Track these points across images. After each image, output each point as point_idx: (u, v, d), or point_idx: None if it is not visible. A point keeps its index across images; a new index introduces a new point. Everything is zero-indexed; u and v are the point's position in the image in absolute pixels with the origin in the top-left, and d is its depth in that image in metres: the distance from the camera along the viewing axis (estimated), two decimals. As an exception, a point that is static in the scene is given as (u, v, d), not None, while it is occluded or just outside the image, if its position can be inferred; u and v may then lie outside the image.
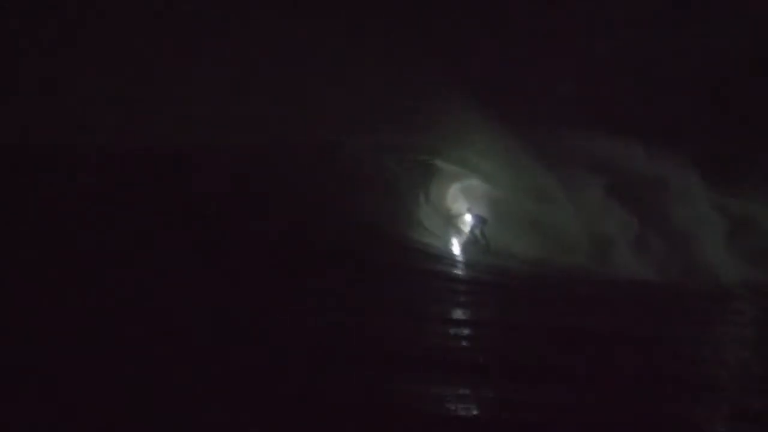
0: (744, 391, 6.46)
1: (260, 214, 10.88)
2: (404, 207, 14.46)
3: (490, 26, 17.00)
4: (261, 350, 5.78)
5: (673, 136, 16.02)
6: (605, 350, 7.11)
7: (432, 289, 10.38)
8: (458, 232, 15.05)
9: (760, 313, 11.68)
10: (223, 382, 4.92)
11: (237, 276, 8.17)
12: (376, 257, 10.92)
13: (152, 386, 4.70)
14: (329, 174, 13.17)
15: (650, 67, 18.74)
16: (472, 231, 14.63)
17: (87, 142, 11.33)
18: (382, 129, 14.48)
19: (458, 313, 8.98)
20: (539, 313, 9.15)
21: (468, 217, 14.83)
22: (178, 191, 10.79)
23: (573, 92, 17.08)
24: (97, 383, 4.64)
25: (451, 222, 15.28)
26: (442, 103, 13.93)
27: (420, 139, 15.16)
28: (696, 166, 15.66)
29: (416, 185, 15.32)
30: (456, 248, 14.42)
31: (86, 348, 5.24)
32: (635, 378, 6.18)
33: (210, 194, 11.02)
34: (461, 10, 17.25)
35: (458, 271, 12.56)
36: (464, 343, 7.23)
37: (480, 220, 14.58)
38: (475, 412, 4.95)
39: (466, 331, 7.75)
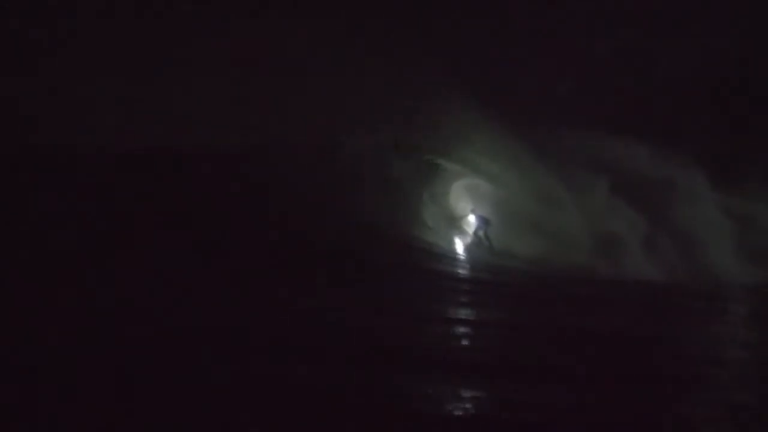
0: (744, 390, 6.46)
1: (260, 214, 10.87)
2: (404, 207, 14.45)
3: (490, 26, 16.99)
4: (261, 350, 5.78)
5: (674, 136, 16.02)
6: (605, 350, 7.11)
7: (432, 288, 10.38)
8: (461, 232, 15.05)
9: (760, 312, 11.68)
10: (223, 382, 4.91)
11: (237, 276, 8.17)
12: (376, 257, 10.92)
13: (152, 386, 4.70)
14: (329, 174, 13.17)
15: (650, 67, 18.74)
16: (475, 232, 14.63)
17: (87, 142, 11.32)
18: (382, 129, 14.47)
19: (459, 313, 8.98)
20: (539, 313, 9.15)
21: (471, 218, 14.81)
22: (178, 191, 10.79)
23: (573, 92, 17.08)
24: (97, 383, 4.64)
25: (454, 223, 15.27)
26: (442, 103, 13.92)
27: (420, 139, 15.16)
28: (698, 166, 15.66)
29: (417, 185, 15.31)
30: (458, 248, 14.42)
31: (86, 348, 5.24)
32: (635, 378, 6.18)
33: (210, 194, 11.02)
34: (461, 10, 17.25)
35: (459, 271, 12.57)
36: (465, 343, 7.23)
37: (483, 221, 14.57)
38: (475, 412, 4.95)
39: (466, 331, 7.75)
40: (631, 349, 7.32)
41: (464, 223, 15.12)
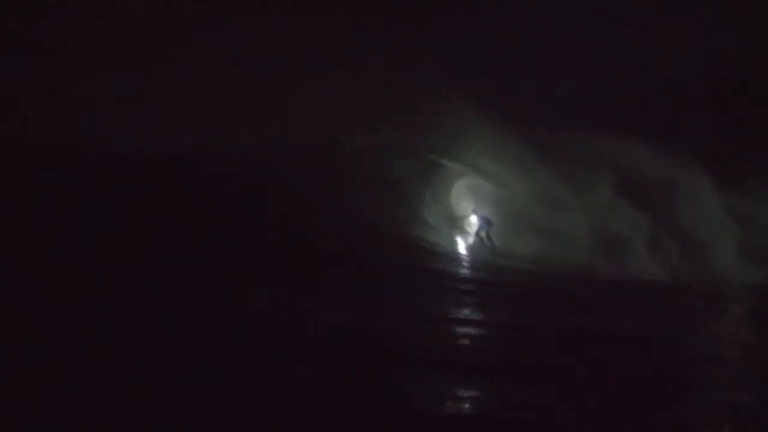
0: (744, 390, 6.46)
1: (260, 214, 10.88)
2: (405, 207, 14.45)
3: (490, 26, 16.99)
4: (261, 350, 5.78)
5: (674, 136, 16.01)
6: (605, 350, 7.11)
7: (432, 288, 10.38)
8: (463, 233, 15.05)
9: (760, 312, 11.67)
10: (223, 382, 4.91)
11: (237, 276, 8.17)
12: (376, 257, 10.92)
13: (152, 386, 4.70)
14: (329, 174, 13.18)
15: (650, 67, 18.73)
16: (477, 233, 14.63)
17: (87, 142, 11.32)
18: (382, 129, 14.47)
19: (459, 313, 8.98)
20: (540, 313, 9.15)
21: (473, 219, 14.81)
22: (178, 191, 10.79)
23: (573, 92, 17.07)
24: (96, 383, 4.64)
25: (455, 224, 15.27)
26: (442, 103, 13.92)
27: (420, 139, 15.16)
28: (698, 166, 15.65)
29: (417, 185, 15.31)
30: (460, 248, 14.43)
31: (86, 348, 5.24)
32: (635, 378, 6.18)
33: (210, 194, 11.02)
34: (461, 10, 17.24)
35: (459, 271, 12.58)
36: (465, 343, 7.23)
37: (485, 222, 14.57)
38: (475, 412, 4.95)
39: (466, 331, 7.75)
40: (631, 349, 7.32)
41: (466, 224, 15.11)
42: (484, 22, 17.22)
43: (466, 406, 5.07)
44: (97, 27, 12.46)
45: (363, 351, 6.10)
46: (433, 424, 4.69)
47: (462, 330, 7.79)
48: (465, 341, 7.28)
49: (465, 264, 13.31)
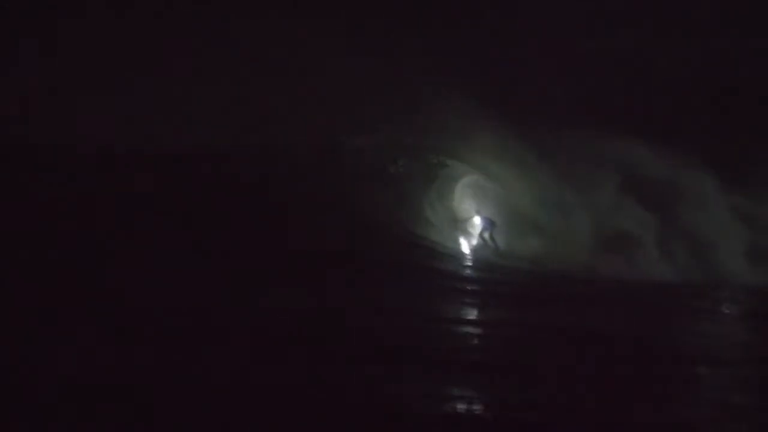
0: (743, 390, 6.46)
1: (260, 214, 10.88)
2: (405, 207, 14.45)
3: (490, 26, 16.99)
4: (261, 350, 5.78)
5: (674, 135, 16.01)
6: (605, 350, 7.11)
7: (432, 288, 10.38)
8: (466, 234, 15.04)
9: (760, 312, 11.67)
10: (222, 382, 4.91)
11: (237, 276, 8.17)
12: (376, 257, 10.91)
13: (152, 386, 4.70)
14: (329, 174, 13.18)
15: (650, 67, 18.73)
16: (481, 234, 14.63)
17: (87, 142, 11.33)
18: (382, 129, 14.48)
19: (459, 313, 8.98)
20: (540, 313, 9.15)
21: (477, 220, 14.81)
22: (178, 191, 10.79)
23: (573, 92, 17.06)
24: (96, 383, 4.64)
25: (458, 225, 15.26)
26: (443, 103, 13.92)
27: (421, 138, 15.17)
28: (700, 166, 15.66)
29: (418, 184, 15.30)
30: (462, 249, 14.42)
31: (86, 348, 5.24)
32: (635, 378, 6.18)
33: (210, 194, 11.02)
34: (461, 10, 17.25)
35: (459, 271, 12.56)
36: (465, 343, 7.23)
37: (489, 223, 14.56)
38: (475, 412, 4.95)
39: (467, 331, 7.75)
40: (631, 349, 7.31)
41: (469, 225, 15.10)
42: (484, 22, 17.23)
43: (466, 406, 5.07)
44: (97, 27, 12.47)
45: (363, 351, 6.10)
46: (433, 424, 4.69)
47: (462, 330, 7.79)
48: (465, 341, 7.28)
49: (466, 264, 13.31)
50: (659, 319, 9.56)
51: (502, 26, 16.89)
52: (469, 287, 11.34)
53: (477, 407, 5.07)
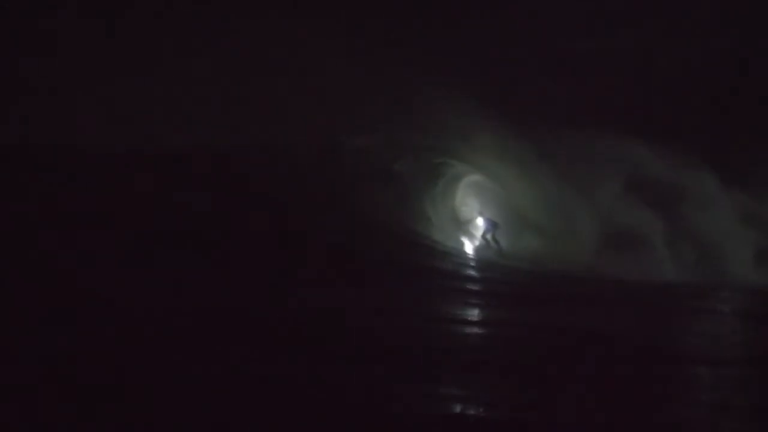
0: (743, 391, 6.46)
1: (260, 214, 10.88)
2: (405, 207, 14.46)
3: (489, 26, 16.99)
4: (260, 350, 5.78)
5: (674, 135, 16.01)
6: (605, 350, 7.11)
7: (433, 288, 10.38)
8: (469, 235, 15.06)
9: (760, 312, 11.66)
10: (222, 382, 4.91)
11: (237, 276, 8.17)
12: (376, 256, 10.92)
13: (152, 386, 4.70)
14: (329, 174, 13.18)
15: (650, 67, 18.73)
16: (483, 235, 14.64)
17: (87, 142, 11.34)
18: (382, 129, 14.49)
19: (459, 313, 8.98)
20: (540, 313, 9.14)
21: (479, 221, 14.82)
22: (178, 191, 10.79)
23: (573, 92, 17.06)
24: (96, 383, 4.64)
25: (460, 226, 15.28)
26: (443, 103, 13.93)
27: (421, 138, 15.17)
28: (702, 166, 15.67)
29: (419, 184, 15.31)
30: (464, 250, 14.44)
31: (85, 348, 5.24)
32: (635, 378, 6.18)
33: (210, 194, 11.03)
34: (461, 10, 17.25)
35: (460, 270, 12.56)
36: (465, 343, 7.23)
37: (491, 224, 14.58)
38: (475, 412, 4.95)
39: (467, 331, 7.75)
40: (631, 349, 7.31)
41: (472, 227, 15.12)
42: (484, 22, 17.23)
43: (466, 406, 5.06)
44: (97, 27, 12.48)
45: (363, 351, 6.10)
46: (433, 424, 4.69)
47: (462, 330, 7.79)
48: (465, 341, 7.28)
49: (466, 264, 13.32)
50: (659, 319, 9.55)
51: (502, 26, 16.88)
52: (469, 287, 11.35)
53: (477, 407, 5.07)
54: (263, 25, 13.10)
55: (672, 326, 9.21)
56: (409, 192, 14.85)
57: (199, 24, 12.77)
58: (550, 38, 17.55)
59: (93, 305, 6.28)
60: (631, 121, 16.15)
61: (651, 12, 18.77)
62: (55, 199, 9.43)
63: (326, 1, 14.93)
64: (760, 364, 7.49)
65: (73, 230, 8.47)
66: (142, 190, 10.48)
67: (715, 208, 15.67)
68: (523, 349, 6.95)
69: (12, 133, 10.90)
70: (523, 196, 15.10)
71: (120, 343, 5.43)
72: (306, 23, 13.38)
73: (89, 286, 6.86)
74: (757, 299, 12.91)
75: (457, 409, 4.96)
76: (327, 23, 13.81)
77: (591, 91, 16.93)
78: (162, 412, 4.36)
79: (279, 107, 12.71)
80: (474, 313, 9.06)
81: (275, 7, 13.66)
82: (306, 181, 12.58)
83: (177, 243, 8.90)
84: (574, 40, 17.62)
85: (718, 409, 5.76)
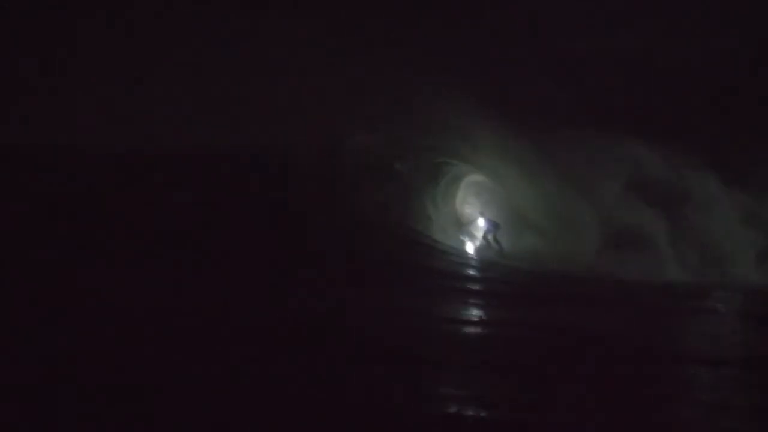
0: (743, 391, 6.46)
1: (260, 214, 10.88)
2: (405, 206, 14.46)
3: (489, 26, 16.98)
4: (260, 350, 5.78)
5: (674, 135, 16.00)
6: (605, 350, 7.11)
7: (433, 288, 10.38)
8: (471, 236, 15.06)
9: (760, 312, 11.66)
10: (222, 382, 4.92)
11: (237, 276, 8.17)
12: (377, 256, 10.92)
13: (151, 386, 4.70)
14: (329, 174, 13.18)
15: (650, 67, 18.71)
16: (484, 236, 14.65)
17: (87, 142, 11.35)
18: (382, 129, 14.49)
19: (459, 313, 8.98)
20: (540, 313, 9.14)
21: (481, 222, 14.83)
22: (177, 191, 10.80)
23: (573, 92, 17.05)
24: (96, 383, 4.64)
25: (462, 226, 15.27)
26: (443, 103, 13.93)
27: (421, 138, 15.17)
28: (701, 166, 15.66)
29: (419, 184, 15.31)
30: (465, 249, 14.44)
31: (85, 348, 5.24)
32: (635, 378, 6.18)
33: (210, 194, 11.03)
34: (461, 10, 17.24)
35: (460, 270, 12.57)
36: (465, 343, 7.23)
37: (493, 225, 14.58)
38: (475, 412, 4.95)
39: (467, 331, 7.75)
40: (631, 349, 7.31)
41: (473, 227, 15.12)
42: (484, 22, 17.22)
43: (466, 406, 5.07)
44: (97, 27, 12.48)
45: (363, 351, 6.10)
46: (433, 424, 4.69)
47: (462, 330, 7.79)
48: (465, 341, 7.28)
49: (466, 264, 13.31)
50: (659, 319, 9.55)
51: (502, 26, 16.87)
52: (469, 287, 11.35)
53: (477, 407, 5.07)
54: (263, 25, 13.11)
55: (672, 326, 9.20)
56: (410, 192, 14.85)
57: (199, 24, 12.78)
58: (550, 38, 17.53)
59: (93, 305, 6.28)
60: (631, 121, 16.14)
61: (651, 12, 18.76)
62: (55, 199, 9.43)
63: (326, 1, 14.92)
64: (760, 364, 7.49)
65: (72, 230, 8.48)
66: (142, 190, 10.48)
67: (716, 208, 15.67)
68: (523, 349, 6.95)
69: (12, 133, 10.91)
70: (523, 196, 15.10)
71: (120, 343, 5.43)
72: (306, 23, 13.38)
73: (89, 286, 6.86)
74: (757, 299, 12.90)
75: (457, 409, 4.96)
76: (327, 23, 13.81)
77: (591, 91, 16.92)
78: (162, 412, 4.36)
79: (279, 107, 12.71)
80: (474, 313, 9.06)
81: (275, 7, 13.67)
82: (306, 181, 12.58)
83: (177, 243, 8.90)
84: (574, 40, 17.61)
85: (718, 409, 5.76)
